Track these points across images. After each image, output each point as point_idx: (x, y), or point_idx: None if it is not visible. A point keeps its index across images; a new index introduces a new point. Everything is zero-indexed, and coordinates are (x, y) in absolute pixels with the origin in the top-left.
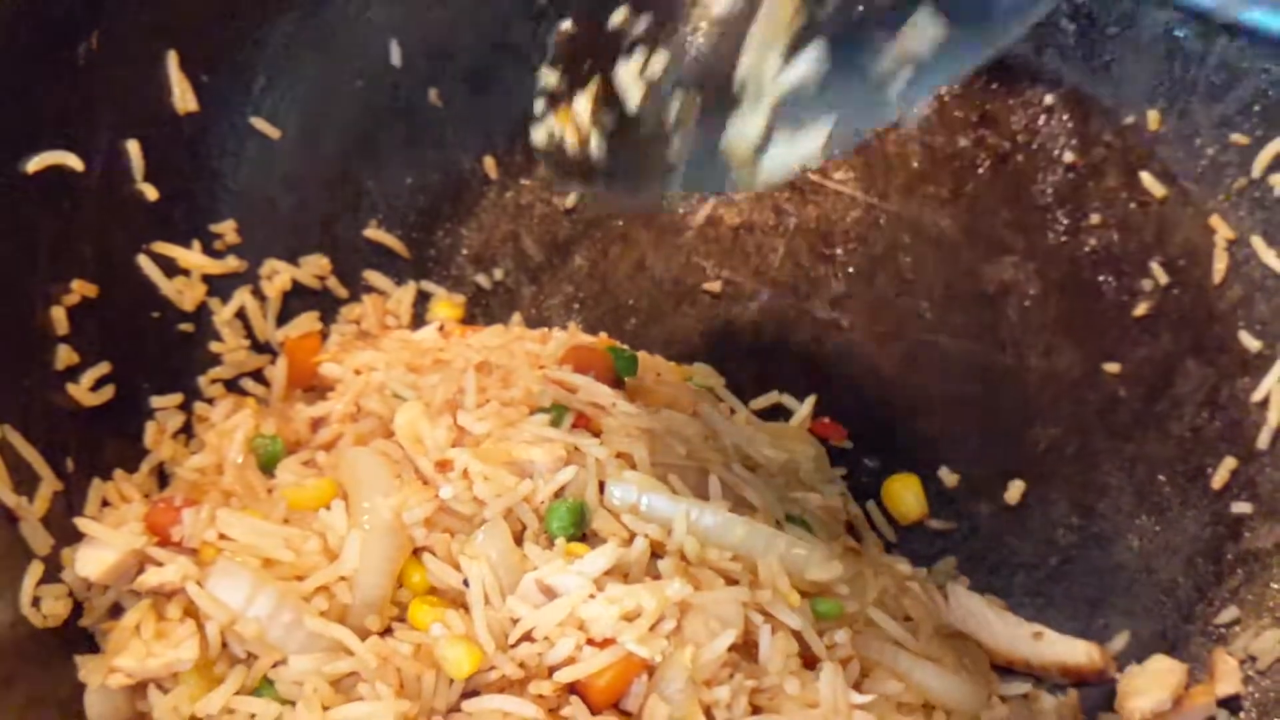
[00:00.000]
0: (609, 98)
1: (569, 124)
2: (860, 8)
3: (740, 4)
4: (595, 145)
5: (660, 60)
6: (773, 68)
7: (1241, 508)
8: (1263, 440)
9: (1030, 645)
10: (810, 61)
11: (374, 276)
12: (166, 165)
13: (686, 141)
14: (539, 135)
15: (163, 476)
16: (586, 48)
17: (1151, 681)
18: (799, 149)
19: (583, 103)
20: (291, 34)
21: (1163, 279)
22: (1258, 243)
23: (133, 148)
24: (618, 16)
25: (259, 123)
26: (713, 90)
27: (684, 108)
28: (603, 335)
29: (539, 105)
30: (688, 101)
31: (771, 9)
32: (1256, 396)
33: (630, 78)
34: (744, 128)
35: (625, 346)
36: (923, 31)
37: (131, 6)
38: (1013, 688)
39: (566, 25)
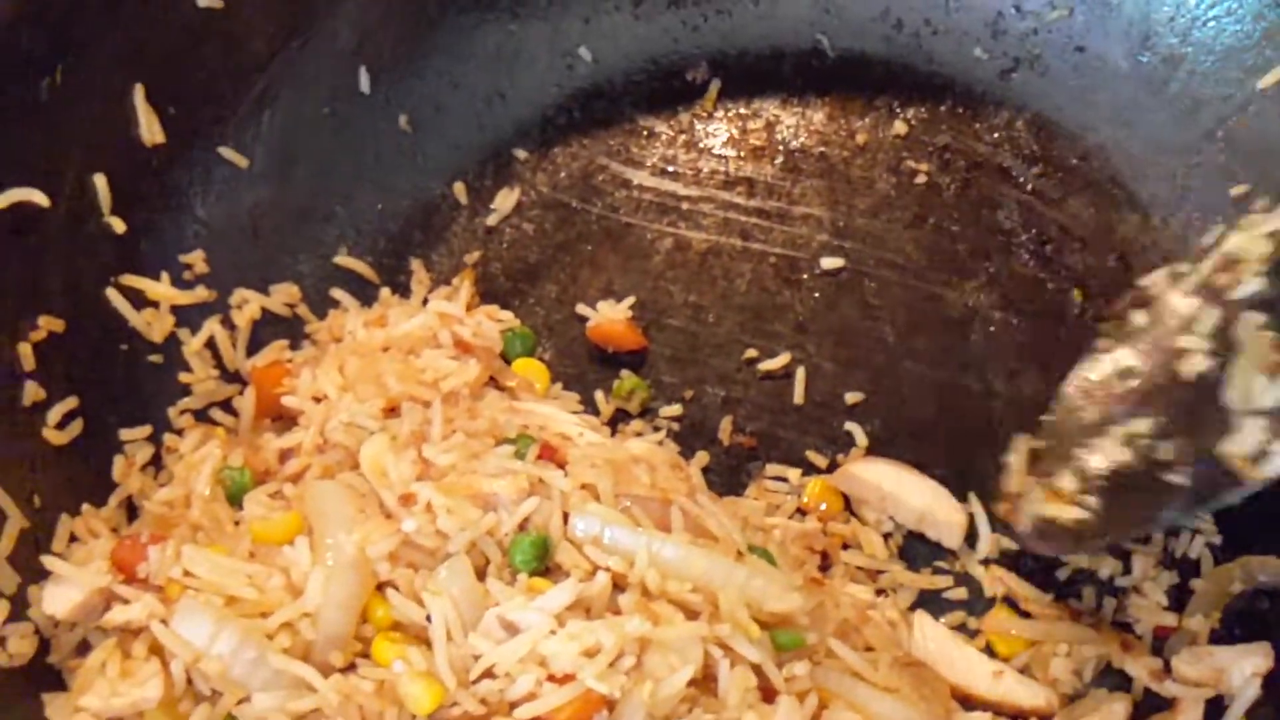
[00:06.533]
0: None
1: (1057, 501)
2: None
3: (1212, 364)
4: (1089, 511)
5: (1143, 424)
6: (1260, 389)
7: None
8: None
9: (988, 683)
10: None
11: (345, 298)
12: (134, 197)
13: (1185, 470)
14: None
15: (132, 508)
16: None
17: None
18: None
19: (1069, 480)
20: (258, 62)
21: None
22: None
23: (100, 182)
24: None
25: (227, 152)
26: (1202, 421)
27: (1177, 450)
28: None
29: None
30: (1179, 445)
31: (1255, 348)
32: None
33: (1114, 448)
34: (1241, 443)
35: (529, 329)
36: None
37: (95, 42)
38: (973, 717)
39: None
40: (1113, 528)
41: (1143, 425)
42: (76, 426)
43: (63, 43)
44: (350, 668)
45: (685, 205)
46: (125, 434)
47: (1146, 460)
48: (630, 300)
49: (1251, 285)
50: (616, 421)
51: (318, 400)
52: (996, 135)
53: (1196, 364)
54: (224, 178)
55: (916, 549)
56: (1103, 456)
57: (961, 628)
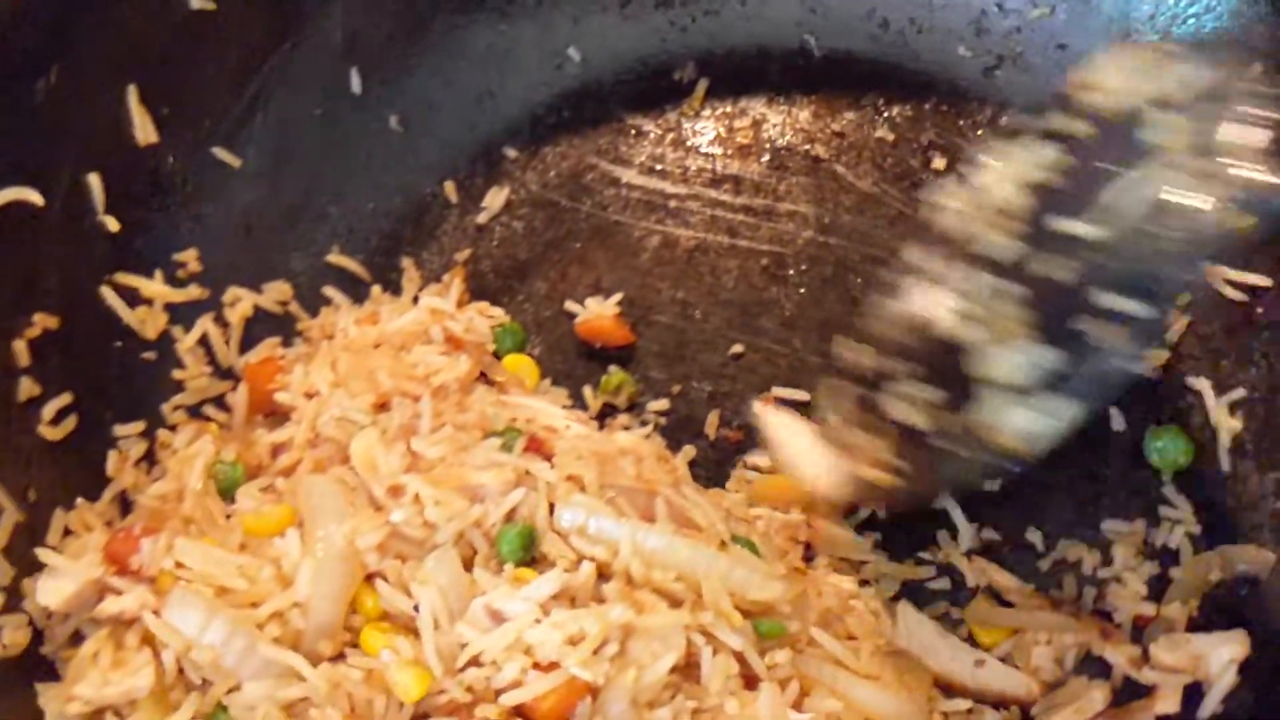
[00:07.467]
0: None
1: (876, 468)
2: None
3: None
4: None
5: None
6: (1003, 364)
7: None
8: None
9: (971, 671)
10: (1031, 355)
11: (336, 296)
12: (128, 196)
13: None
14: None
15: (125, 503)
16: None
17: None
18: (1048, 422)
19: (881, 445)
20: (251, 63)
21: None
22: None
23: (94, 181)
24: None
25: (220, 152)
26: (958, 393)
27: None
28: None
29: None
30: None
31: (997, 325)
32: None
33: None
34: (984, 412)
35: (519, 326)
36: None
37: (90, 43)
38: (955, 704)
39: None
40: (920, 488)
41: (926, 390)
42: (71, 422)
43: (57, 44)
44: (339, 657)
45: (673, 203)
46: (119, 429)
47: (935, 424)
48: (618, 297)
49: (1005, 246)
50: (604, 416)
51: (309, 396)
52: (981, 132)
53: (947, 322)
54: (217, 177)
55: (899, 540)
56: (901, 415)
57: (944, 617)
